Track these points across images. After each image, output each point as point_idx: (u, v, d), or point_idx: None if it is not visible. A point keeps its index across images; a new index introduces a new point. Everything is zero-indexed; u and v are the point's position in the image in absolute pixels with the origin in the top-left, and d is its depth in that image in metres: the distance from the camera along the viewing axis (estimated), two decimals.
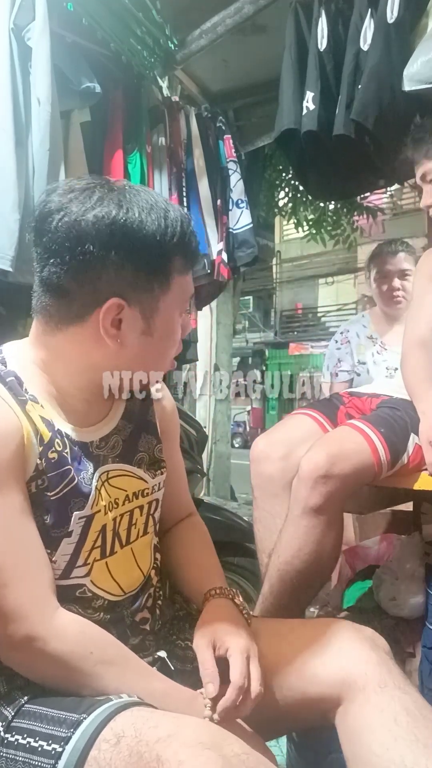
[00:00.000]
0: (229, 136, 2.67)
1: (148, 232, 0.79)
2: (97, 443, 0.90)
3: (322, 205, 3.98)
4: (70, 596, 0.85)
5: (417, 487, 1.40)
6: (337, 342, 2.37)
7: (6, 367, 0.84)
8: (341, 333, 2.38)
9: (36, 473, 0.81)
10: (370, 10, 1.87)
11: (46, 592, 0.80)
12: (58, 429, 0.85)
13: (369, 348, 2.26)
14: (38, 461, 0.80)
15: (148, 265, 0.81)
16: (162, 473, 1.00)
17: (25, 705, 0.79)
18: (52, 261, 0.80)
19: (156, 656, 0.92)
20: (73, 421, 0.87)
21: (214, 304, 3.29)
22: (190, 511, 1.13)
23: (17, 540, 0.78)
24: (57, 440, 0.83)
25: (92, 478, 0.87)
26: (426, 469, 1.38)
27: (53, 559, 0.83)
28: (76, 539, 0.85)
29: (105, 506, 0.89)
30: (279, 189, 3.93)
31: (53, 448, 0.82)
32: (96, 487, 0.87)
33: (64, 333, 0.83)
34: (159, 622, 0.96)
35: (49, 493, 0.81)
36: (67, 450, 0.85)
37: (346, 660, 0.86)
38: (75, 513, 0.84)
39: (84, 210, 0.78)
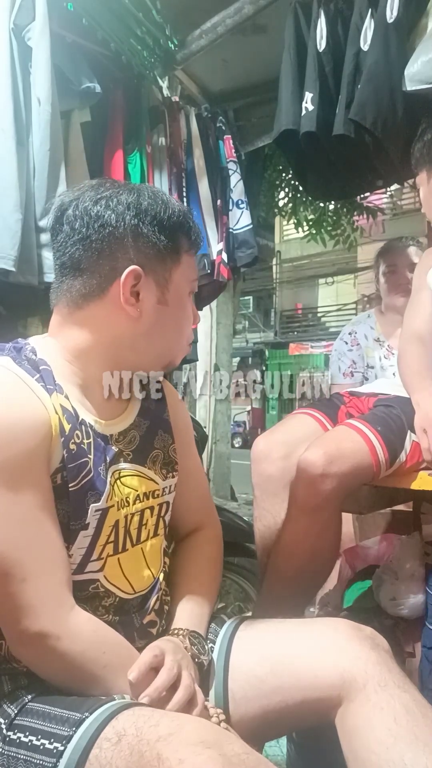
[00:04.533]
0: (229, 136, 2.67)
1: (157, 211, 0.88)
2: (116, 437, 0.92)
3: (322, 205, 3.99)
4: (83, 593, 0.86)
5: (415, 487, 1.40)
6: (347, 343, 2.31)
7: (37, 356, 0.86)
8: (349, 334, 2.32)
9: (61, 465, 0.82)
10: (370, 10, 1.87)
11: (63, 590, 0.81)
12: (83, 419, 0.86)
13: (377, 351, 2.23)
14: (63, 453, 0.82)
15: (159, 240, 0.88)
16: (174, 476, 1.01)
17: (29, 703, 0.79)
18: (72, 244, 0.87)
19: None
20: (96, 414, 0.90)
21: (214, 304, 3.29)
22: (204, 521, 1.11)
23: (36, 535, 0.79)
24: (78, 431, 0.84)
25: (107, 472, 0.89)
26: (424, 468, 1.39)
27: (70, 553, 0.83)
28: (92, 532, 0.86)
29: (118, 502, 0.90)
30: (279, 189, 3.94)
31: (73, 440, 0.83)
32: (110, 482, 0.88)
33: (85, 311, 0.88)
34: (165, 625, 0.96)
35: (69, 485, 0.83)
36: (90, 441, 0.86)
37: (345, 659, 0.85)
38: (91, 505, 0.85)
39: (98, 197, 0.88)
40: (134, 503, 0.92)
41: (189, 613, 0.96)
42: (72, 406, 0.85)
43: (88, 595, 0.87)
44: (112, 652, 0.82)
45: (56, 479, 0.82)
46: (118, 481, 0.91)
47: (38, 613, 0.77)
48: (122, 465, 0.92)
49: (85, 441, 0.86)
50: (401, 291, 2.12)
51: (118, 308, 0.87)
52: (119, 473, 0.91)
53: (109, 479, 0.88)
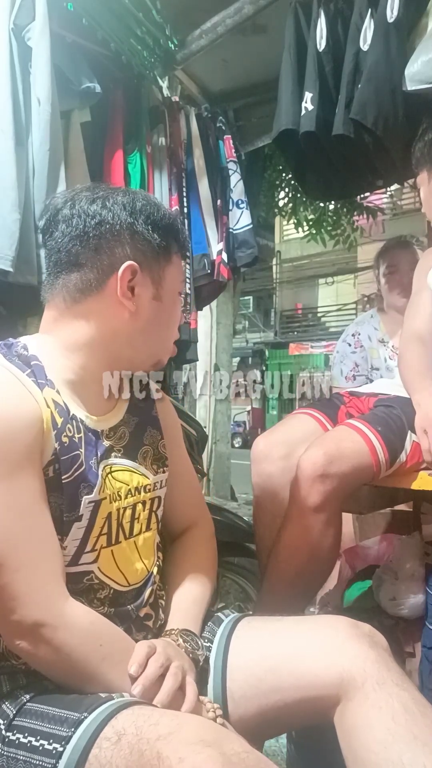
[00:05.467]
0: (229, 136, 2.67)
1: (150, 211, 0.92)
2: (107, 432, 0.94)
3: (322, 205, 3.99)
4: (78, 585, 0.86)
5: (415, 487, 1.40)
6: (350, 345, 2.30)
7: (28, 352, 0.87)
8: (353, 335, 2.31)
9: (54, 457, 0.83)
10: (370, 9, 1.87)
11: (58, 580, 0.81)
12: (73, 414, 0.88)
13: (381, 352, 2.22)
14: (55, 446, 0.83)
15: (153, 238, 0.92)
16: (164, 471, 1.03)
17: (27, 703, 0.79)
18: (69, 241, 0.90)
19: None
20: (86, 409, 0.91)
21: (214, 304, 3.29)
22: (197, 519, 1.13)
23: (31, 525, 0.80)
24: (69, 425, 0.86)
25: (98, 466, 0.90)
26: (424, 468, 1.39)
27: (64, 545, 0.84)
28: (85, 524, 0.87)
29: (110, 495, 0.91)
30: (279, 189, 3.94)
31: (65, 433, 0.84)
32: (101, 476, 0.90)
33: (83, 305, 0.90)
34: (161, 620, 0.97)
35: (62, 477, 0.83)
36: (81, 435, 0.88)
37: (344, 658, 0.85)
38: (84, 497, 0.86)
39: (94, 197, 0.91)
40: (126, 497, 0.94)
41: (183, 613, 0.97)
42: (63, 401, 0.86)
43: (83, 587, 0.87)
44: (110, 644, 0.82)
45: (48, 472, 0.83)
46: (109, 476, 0.92)
47: (34, 602, 0.78)
48: (113, 460, 0.93)
49: (77, 435, 0.87)
50: (402, 291, 2.11)
51: (115, 302, 0.90)
52: (110, 468, 0.92)
53: (100, 473, 0.90)
